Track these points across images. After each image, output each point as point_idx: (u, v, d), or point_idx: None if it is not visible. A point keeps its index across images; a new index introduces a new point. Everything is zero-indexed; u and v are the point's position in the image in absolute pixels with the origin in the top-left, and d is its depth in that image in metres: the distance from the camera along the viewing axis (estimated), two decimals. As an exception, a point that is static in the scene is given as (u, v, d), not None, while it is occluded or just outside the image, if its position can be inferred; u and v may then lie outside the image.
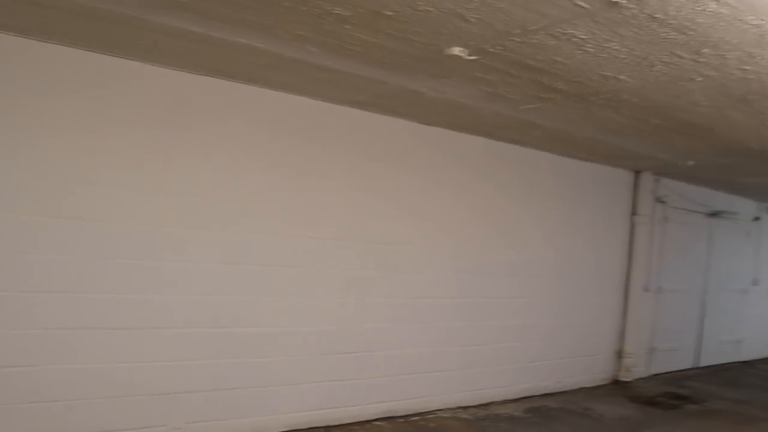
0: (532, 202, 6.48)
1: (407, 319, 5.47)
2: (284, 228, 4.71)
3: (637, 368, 7.78)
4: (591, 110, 4.48)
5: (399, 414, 5.37)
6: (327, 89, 4.47)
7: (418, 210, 5.51)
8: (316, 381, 4.89)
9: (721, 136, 5.09)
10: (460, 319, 5.85)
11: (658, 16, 2.62)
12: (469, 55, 3.28)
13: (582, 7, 2.58)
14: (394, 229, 5.36)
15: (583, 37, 2.92)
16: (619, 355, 7.58)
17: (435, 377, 5.68)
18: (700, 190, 8.74)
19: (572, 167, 6.87)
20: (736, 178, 7.64)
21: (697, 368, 8.96)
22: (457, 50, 3.17)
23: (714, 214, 9.04)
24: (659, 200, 7.97)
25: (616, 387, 7.35)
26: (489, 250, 6.08)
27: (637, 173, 7.62)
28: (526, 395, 6.50)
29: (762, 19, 2.62)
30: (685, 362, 8.82)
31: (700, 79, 3.52)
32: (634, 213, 7.61)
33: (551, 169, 6.65)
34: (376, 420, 5.21)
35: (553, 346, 6.79)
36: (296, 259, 4.77)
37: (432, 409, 5.62)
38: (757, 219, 10.12)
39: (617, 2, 2.50)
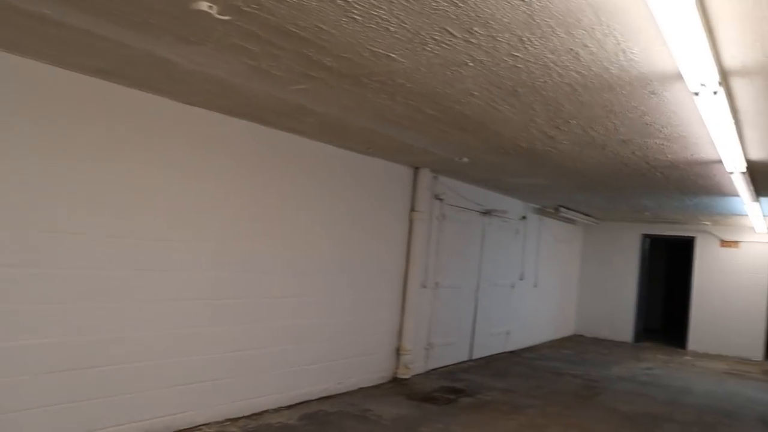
0: (309, 196, 6.16)
1: (165, 325, 4.82)
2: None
3: (415, 364, 7.81)
4: (365, 95, 4.22)
5: (157, 433, 4.75)
6: (56, 50, 3.67)
7: (178, 202, 4.89)
8: (47, 404, 4.05)
9: (492, 131, 5.13)
10: (228, 322, 5.34)
11: (427, -20, 2.37)
12: (220, 14, 2.80)
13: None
14: (149, 223, 4.68)
15: (349, -1, 2.61)
16: (398, 352, 7.53)
17: (200, 388, 5.10)
18: (475, 188, 9.06)
19: (351, 160, 6.66)
20: (506, 178, 7.97)
21: (471, 361, 9.27)
22: (204, 5, 2.66)
23: (487, 213, 9.43)
24: (437, 197, 8.09)
25: (395, 385, 7.29)
26: (261, 246, 5.64)
27: (416, 170, 7.65)
28: (304, 400, 6.16)
29: (530, -4, 2.48)
30: (460, 356, 9.07)
31: (472, 64, 3.38)
32: (412, 210, 7.62)
33: (329, 162, 6.38)
34: (129, 442, 4.55)
35: (331, 346, 6.53)
36: (17, 256, 3.90)
37: (197, 425, 5.04)
38: (524, 218, 10.79)
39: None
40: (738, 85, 3.45)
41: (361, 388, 6.93)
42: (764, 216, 9.55)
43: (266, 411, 5.71)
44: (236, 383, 5.44)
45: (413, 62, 3.43)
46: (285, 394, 5.96)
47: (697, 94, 3.36)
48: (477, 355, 9.51)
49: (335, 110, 4.77)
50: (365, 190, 6.91)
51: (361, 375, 6.98)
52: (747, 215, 9.57)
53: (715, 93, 3.31)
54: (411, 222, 7.62)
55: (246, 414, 5.51)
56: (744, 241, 12.30)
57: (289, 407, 5.93)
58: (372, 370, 7.17)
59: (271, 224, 5.75)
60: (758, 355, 12.05)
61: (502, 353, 10.27)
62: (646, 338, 13.69)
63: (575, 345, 12.30)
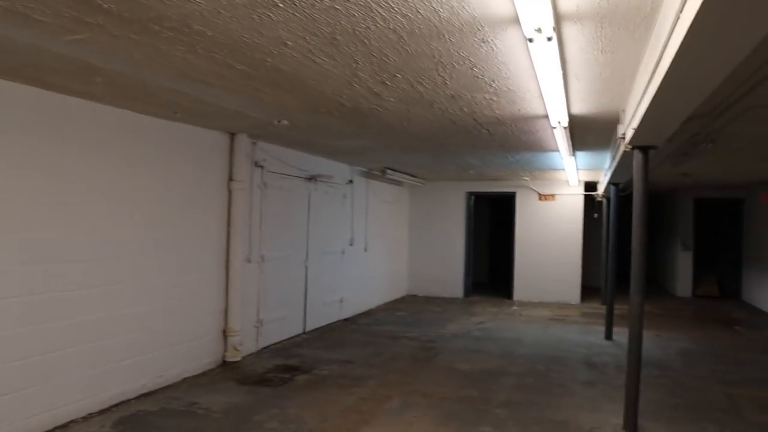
0: (108, 171, 5.33)
1: None
2: None
3: (245, 345, 7.28)
4: (159, 47, 3.55)
5: None
6: None
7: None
8: None
9: (312, 89, 4.64)
10: (11, 326, 4.46)
11: None
12: None
13: None
14: None
15: None
16: (225, 333, 6.95)
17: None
18: (298, 153, 8.56)
19: (156, 128, 5.87)
20: (330, 141, 7.53)
21: (306, 333, 8.88)
22: None
23: (312, 179, 8.98)
24: (257, 165, 7.50)
25: (225, 370, 6.72)
26: (49, 232, 4.77)
27: (233, 136, 6.99)
28: (119, 401, 5.44)
29: None
30: (293, 329, 8.65)
31: (282, 5, 2.86)
32: (231, 179, 6.98)
33: (130, 131, 5.55)
34: None
35: (147, 337, 5.81)
36: None
37: (-22, 452, 4.22)
38: (350, 182, 10.48)
39: None
40: (570, 32, 3.24)
41: (186, 379, 6.30)
42: (578, 170, 9.98)
43: (73, 421, 4.95)
44: (29, 395, 4.59)
45: (211, 3, 2.84)
46: (94, 398, 5.20)
47: (531, 40, 3.09)
48: (311, 326, 9.14)
49: (127, 67, 4.02)
50: (175, 161, 6.16)
51: (185, 364, 6.33)
52: (563, 169, 9.95)
53: (549, 39, 3.06)
54: (230, 193, 6.98)
55: (47, 428, 4.72)
56: (559, 194, 12.95)
57: (101, 412, 5.19)
58: (197, 357, 6.54)
59: (62, 206, 4.88)
60: (576, 299, 12.84)
61: (337, 322, 9.99)
62: (476, 292, 14.12)
63: (409, 306, 12.34)
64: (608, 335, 8.91)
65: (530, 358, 7.57)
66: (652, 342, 8.60)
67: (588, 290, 13.67)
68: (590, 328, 9.82)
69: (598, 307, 12.13)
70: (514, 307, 12.23)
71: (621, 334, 9.01)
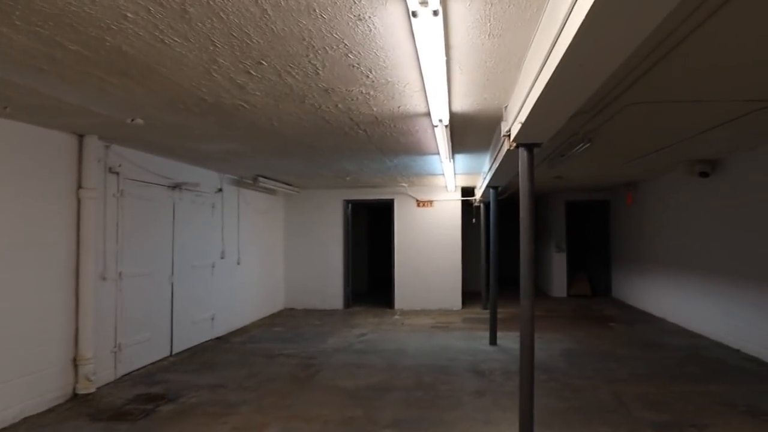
0: None
1: None
2: None
3: (101, 373, 6.46)
4: (-39, 16, 2.88)
5: None
6: None
7: None
8: None
9: (164, 78, 4.04)
10: None
11: None
12: None
13: None
14: None
15: None
16: (76, 362, 6.11)
17: None
18: (160, 159, 7.81)
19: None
20: (194, 144, 6.86)
21: (173, 356, 8.11)
22: None
23: (176, 187, 8.25)
24: (112, 171, 6.71)
25: (76, 404, 5.89)
26: None
27: (81, 137, 6.18)
28: (-63, 452, 4.57)
29: None
30: (159, 352, 7.86)
31: (114, -40, 2.32)
32: (80, 187, 6.16)
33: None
34: None
35: (-25, 373, 4.95)
36: None
37: None
38: (220, 191, 9.81)
39: None
40: (457, 7, 2.89)
41: (27, 418, 5.44)
42: (455, 174, 9.85)
43: None
44: None
45: (17, -49, 2.25)
46: None
47: (415, 14, 2.72)
48: (179, 348, 8.37)
49: (-74, 45, 3.29)
50: (7, 167, 5.31)
51: (25, 401, 5.47)
52: (441, 174, 9.77)
53: (435, 14, 2.71)
54: (79, 202, 6.16)
55: None
56: (438, 200, 12.85)
57: None
58: (41, 392, 5.68)
59: None
60: (457, 305, 12.75)
61: (209, 341, 9.26)
62: (356, 303, 13.74)
63: (287, 320, 11.72)
64: (492, 340, 8.77)
65: (416, 370, 7.23)
66: (536, 344, 8.51)
67: (468, 295, 13.64)
68: (474, 334, 9.66)
69: (479, 312, 12.09)
70: (396, 317, 11.93)
71: (505, 338, 8.95)
